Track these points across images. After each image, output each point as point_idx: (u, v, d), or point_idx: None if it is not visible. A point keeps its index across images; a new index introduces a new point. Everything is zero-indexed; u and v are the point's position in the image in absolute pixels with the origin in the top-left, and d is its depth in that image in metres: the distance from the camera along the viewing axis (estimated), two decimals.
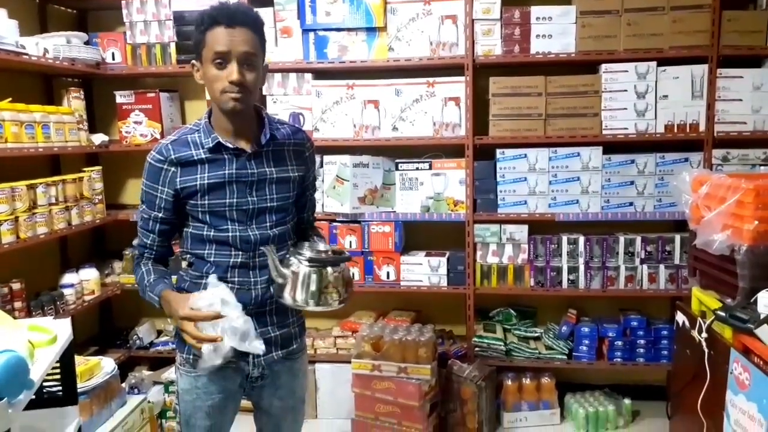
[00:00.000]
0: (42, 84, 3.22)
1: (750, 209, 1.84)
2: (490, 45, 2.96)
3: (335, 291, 1.58)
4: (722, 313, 1.83)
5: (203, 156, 1.61)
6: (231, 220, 1.63)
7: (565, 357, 3.09)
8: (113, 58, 3.24)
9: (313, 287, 1.55)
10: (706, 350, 1.94)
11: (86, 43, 3.16)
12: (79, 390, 1.86)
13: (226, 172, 1.61)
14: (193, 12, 3.08)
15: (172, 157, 1.60)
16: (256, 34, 1.56)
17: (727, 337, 1.85)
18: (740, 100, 2.85)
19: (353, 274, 3.12)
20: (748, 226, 1.83)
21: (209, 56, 1.53)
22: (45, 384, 1.69)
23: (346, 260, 1.64)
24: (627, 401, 3.09)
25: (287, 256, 1.61)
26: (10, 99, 2.55)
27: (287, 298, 1.57)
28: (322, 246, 1.65)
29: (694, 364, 2.02)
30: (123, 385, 2.83)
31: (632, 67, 2.88)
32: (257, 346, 1.54)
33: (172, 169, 1.60)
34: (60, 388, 1.72)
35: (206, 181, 1.60)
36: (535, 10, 2.91)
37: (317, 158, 3.05)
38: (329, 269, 1.57)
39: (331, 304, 1.58)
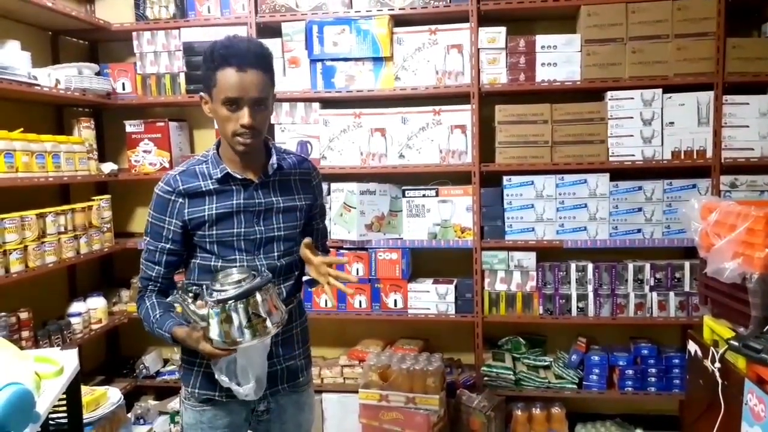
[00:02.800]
0: (53, 114, 3.27)
1: (761, 237, 1.82)
2: (496, 73, 2.98)
3: (265, 318, 1.44)
4: (735, 343, 1.80)
5: (211, 187, 1.61)
6: (239, 249, 1.63)
7: (575, 386, 3.04)
8: (123, 89, 3.29)
9: (236, 323, 1.41)
10: (720, 380, 1.90)
11: (97, 73, 3.21)
12: (84, 421, 1.84)
13: (234, 202, 1.62)
14: (202, 43, 3.14)
15: (181, 188, 1.61)
16: (266, 74, 1.55)
17: (741, 367, 1.81)
18: (747, 126, 2.85)
19: (360, 302, 3.13)
20: (760, 253, 1.81)
21: (220, 98, 1.52)
22: (50, 415, 1.68)
23: (260, 286, 1.45)
24: (639, 431, 3.03)
25: (204, 293, 1.46)
26: (21, 129, 2.58)
27: (219, 340, 1.43)
28: (236, 274, 1.49)
29: (707, 394, 1.98)
30: (129, 415, 2.82)
31: (638, 95, 2.89)
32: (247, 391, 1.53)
33: (180, 200, 1.61)
34: (66, 419, 1.71)
35: (214, 212, 1.61)
36: (540, 39, 2.94)
37: (324, 186, 3.09)
38: (257, 296, 1.43)
39: (269, 331, 1.45)
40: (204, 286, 1.48)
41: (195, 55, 3.16)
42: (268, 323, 1.45)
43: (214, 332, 1.43)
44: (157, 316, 1.61)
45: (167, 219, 1.62)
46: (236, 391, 1.54)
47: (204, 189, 1.61)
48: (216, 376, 1.54)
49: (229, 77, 1.50)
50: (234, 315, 1.42)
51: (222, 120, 1.55)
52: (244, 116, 1.52)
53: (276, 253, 1.66)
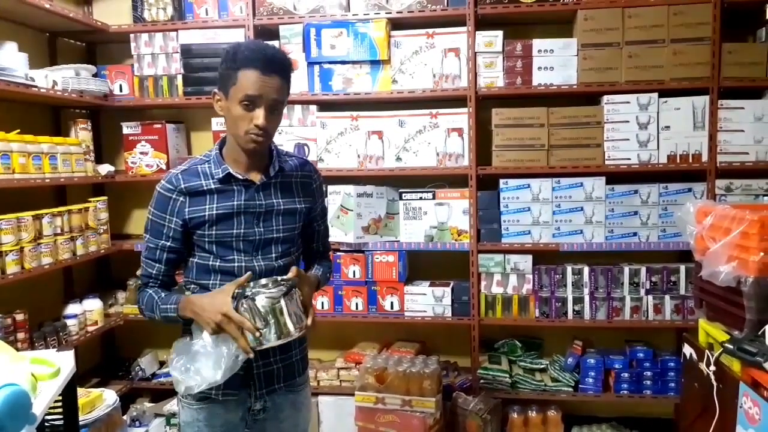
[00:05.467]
0: (50, 115, 3.27)
1: (755, 240, 1.83)
2: (493, 77, 2.99)
3: (291, 319, 1.53)
4: (730, 346, 1.81)
5: (213, 186, 1.63)
6: (237, 250, 1.64)
7: (571, 389, 3.05)
8: (121, 90, 3.29)
9: (272, 321, 1.51)
10: (715, 383, 1.91)
11: (95, 75, 3.20)
12: (80, 423, 1.84)
13: (235, 203, 1.63)
14: (200, 45, 3.15)
15: (182, 186, 1.62)
16: (286, 82, 1.59)
17: (736, 370, 1.82)
18: (742, 130, 2.86)
19: (357, 304, 3.13)
20: (754, 257, 1.82)
21: (238, 96, 1.54)
22: (46, 417, 1.67)
23: (291, 287, 1.56)
24: None
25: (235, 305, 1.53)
26: (18, 130, 2.58)
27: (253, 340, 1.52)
28: (263, 280, 1.56)
29: (702, 397, 1.99)
30: (124, 417, 2.81)
31: (634, 99, 2.90)
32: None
33: (181, 198, 1.62)
34: (61, 421, 1.71)
35: (215, 212, 1.62)
36: (537, 43, 2.95)
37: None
38: (282, 301, 1.52)
39: (292, 333, 1.53)
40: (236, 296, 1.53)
41: (192, 57, 3.17)
42: (289, 325, 1.53)
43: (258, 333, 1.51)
44: (162, 295, 1.64)
45: (168, 217, 1.63)
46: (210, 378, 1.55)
47: (205, 188, 1.62)
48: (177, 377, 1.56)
49: (251, 77, 1.52)
50: (280, 309, 1.51)
51: (235, 118, 1.57)
52: (260, 117, 1.54)
53: (274, 255, 1.67)
